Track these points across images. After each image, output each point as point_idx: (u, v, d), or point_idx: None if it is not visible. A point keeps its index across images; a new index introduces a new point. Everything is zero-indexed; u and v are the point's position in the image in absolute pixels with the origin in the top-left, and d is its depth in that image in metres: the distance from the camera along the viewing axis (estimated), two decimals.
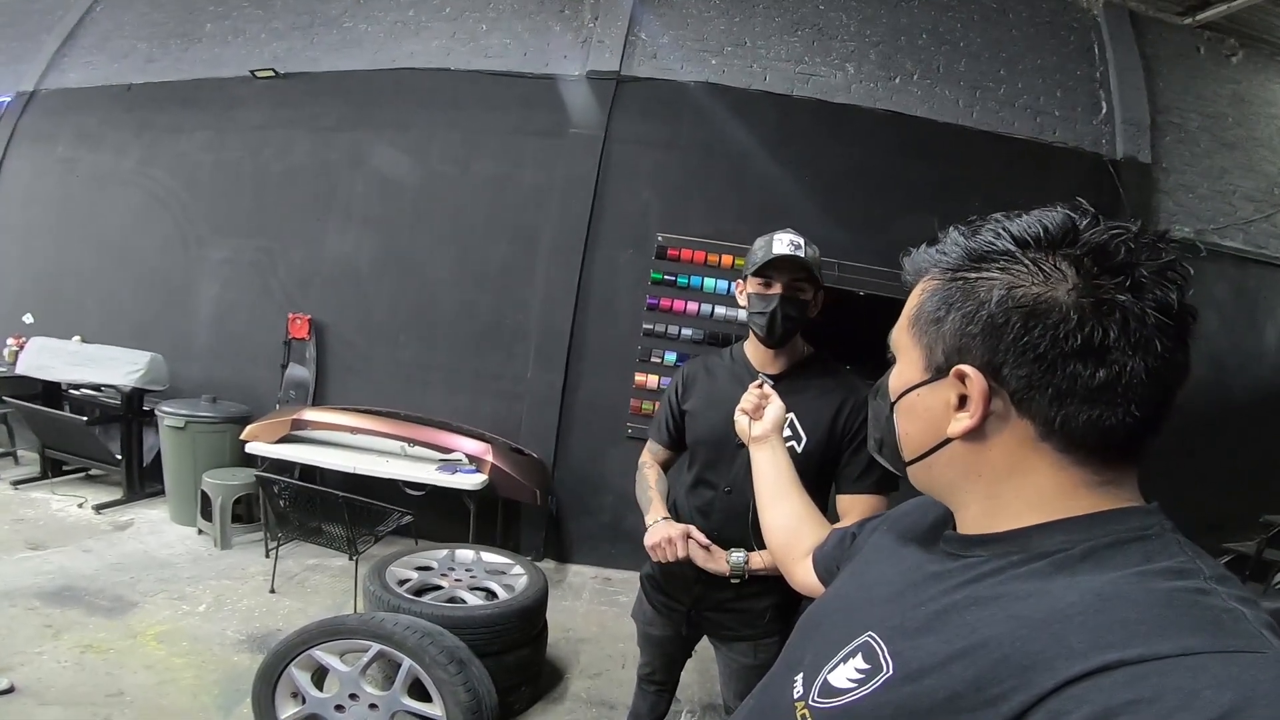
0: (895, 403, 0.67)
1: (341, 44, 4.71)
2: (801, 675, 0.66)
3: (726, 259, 4.21)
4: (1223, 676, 0.40)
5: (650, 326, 4.27)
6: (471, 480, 3.69)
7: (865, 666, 0.58)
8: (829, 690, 0.60)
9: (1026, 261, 0.55)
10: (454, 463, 3.84)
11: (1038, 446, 0.56)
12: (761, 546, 1.41)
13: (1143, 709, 0.40)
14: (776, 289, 1.53)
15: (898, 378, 0.67)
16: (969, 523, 0.63)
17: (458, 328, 4.44)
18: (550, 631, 2.86)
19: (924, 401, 0.63)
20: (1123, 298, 0.51)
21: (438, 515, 3.84)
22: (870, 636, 0.60)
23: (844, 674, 0.60)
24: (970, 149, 4.32)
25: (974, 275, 0.58)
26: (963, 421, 0.58)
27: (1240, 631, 0.44)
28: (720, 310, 4.23)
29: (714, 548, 1.55)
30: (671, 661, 1.87)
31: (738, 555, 1.53)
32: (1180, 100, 4.57)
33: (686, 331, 4.26)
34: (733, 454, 1.60)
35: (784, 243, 1.53)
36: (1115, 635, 0.44)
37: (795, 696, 0.65)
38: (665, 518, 1.60)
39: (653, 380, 4.25)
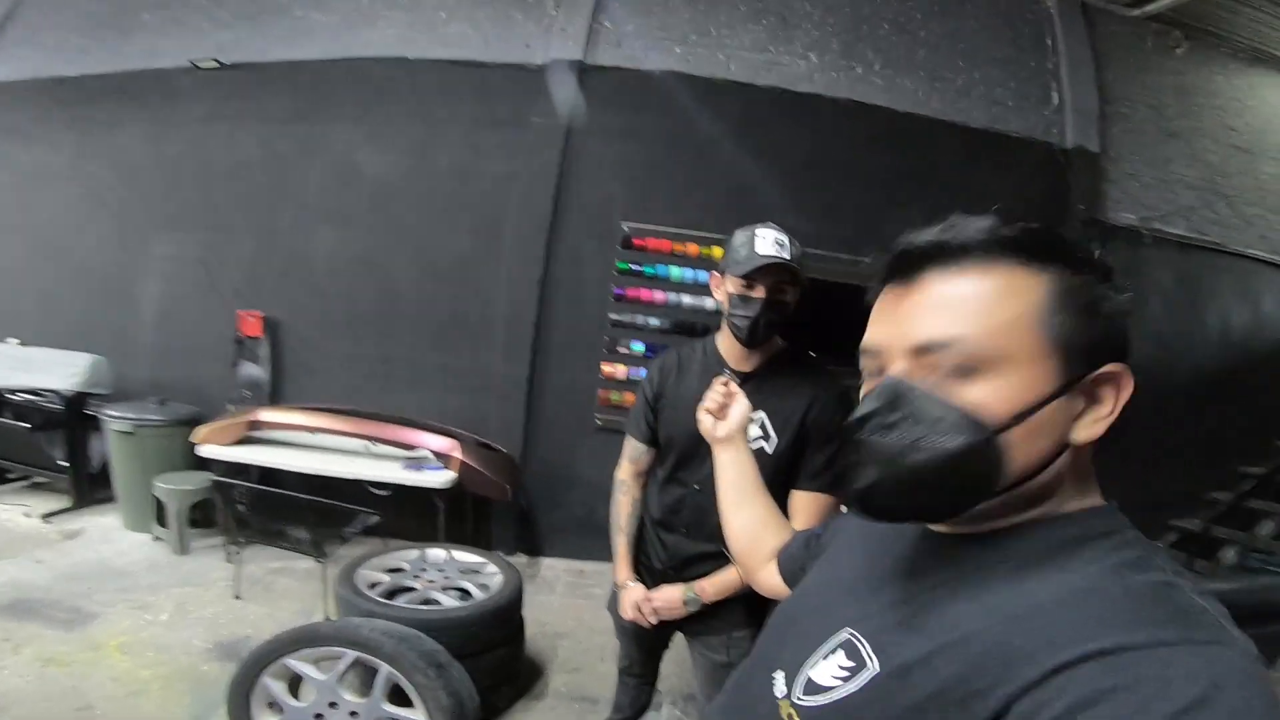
0: (1007, 427, 0.55)
1: (292, 34, 4.51)
2: (782, 673, 0.66)
3: (693, 248, 4.22)
4: (1193, 667, 0.43)
5: (617, 317, 4.25)
6: (439, 478, 3.63)
7: (849, 663, 0.59)
8: (814, 688, 0.60)
9: (1079, 263, 0.58)
10: (420, 460, 3.77)
11: None
12: None
13: (1120, 695, 0.42)
14: (760, 292, 1.48)
15: (1008, 395, 0.55)
16: (954, 525, 0.61)
17: (419, 321, 4.35)
18: (527, 627, 2.85)
19: (1054, 415, 0.55)
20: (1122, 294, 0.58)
21: (406, 514, 3.76)
22: (850, 633, 0.61)
23: (827, 671, 0.60)
24: (929, 138, 4.39)
25: (1063, 268, 0.57)
26: (1100, 424, 0.57)
27: (1206, 624, 0.47)
28: (687, 299, 4.23)
29: (663, 594, 1.64)
30: (649, 653, 1.88)
31: (690, 595, 1.60)
32: (1127, 91, 4.71)
33: (654, 321, 4.24)
34: (705, 452, 1.55)
35: (768, 242, 1.47)
36: (1092, 628, 0.46)
37: (778, 695, 0.64)
38: (632, 581, 1.70)
39: (621, 370, 4.24)
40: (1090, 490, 0.59)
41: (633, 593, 1.67)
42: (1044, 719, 0.44)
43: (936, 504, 0.58)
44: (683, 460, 1.64)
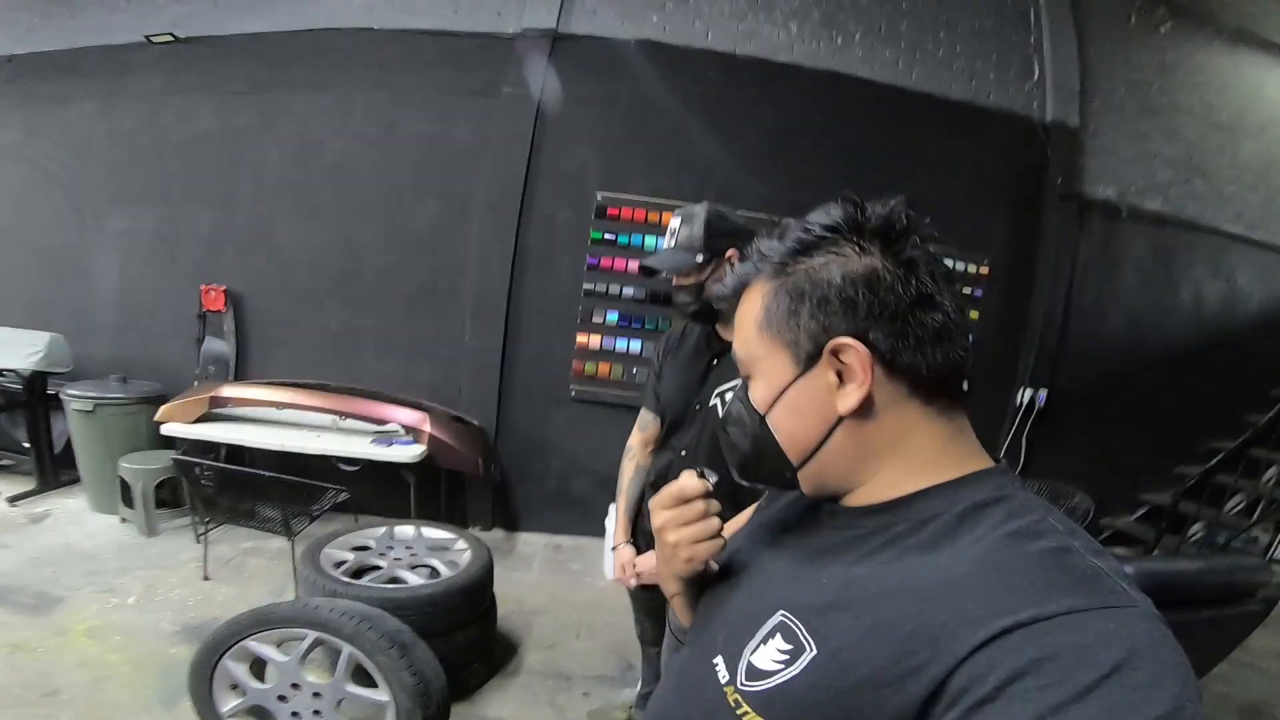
0: (768, 412, 0.66)
1: (250, 5, 4.31)
2: (721, 659, 0.66)
3: (667, 217, 4.11)
4: (1106, 631, 0.45)
5: (591, 286, 4.20)
6: (409, 452, 3.59)
7: (787, 647, 0.59)
8: (756, 673, 0.60)
9: (846, 242, 0.63)
10: (389, 434, 3.73)
11: (909, 403, 0.62)
12: None
13: (1044, 666, 0.44)
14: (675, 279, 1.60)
15: (765, 387, 0.67)
16: (853, 497, 0.66)
17: (388, 293, 4.27)
18: (502, 604, 2.84)
19: (805, 394, 0.64)
20: (917, 253, 0.62)
21: (377, 490, 3.73)
22: (783, 616, 0.61)
23: (767, 655, 0.60)
24: (908, 110, 4.33)
25: (806, 262, 0.64)
26: (854, 393, 0.61)
27: (1106, 587, 0.49)
28: None
29: (644, 558, 1.73)
30: (656, 619, 1.94)
31: None
32: (1109, 66, 4.64)
33: (628, 290, 4.19)
34: (690, 418, 1.65)
35: (667, 233, 1.58)
36: (1007, 600, 0.49)
37: (723, 681, 0.64)
38: (625, 543, 1.78)
39: (595, 341, 4.20)
40: (967, 455, 0.63)
41: (621, 554, 1.77)
42: (978, 694, 0.45)
43: (774, 477, 0.69)
44: (674, 426, 1.72)
